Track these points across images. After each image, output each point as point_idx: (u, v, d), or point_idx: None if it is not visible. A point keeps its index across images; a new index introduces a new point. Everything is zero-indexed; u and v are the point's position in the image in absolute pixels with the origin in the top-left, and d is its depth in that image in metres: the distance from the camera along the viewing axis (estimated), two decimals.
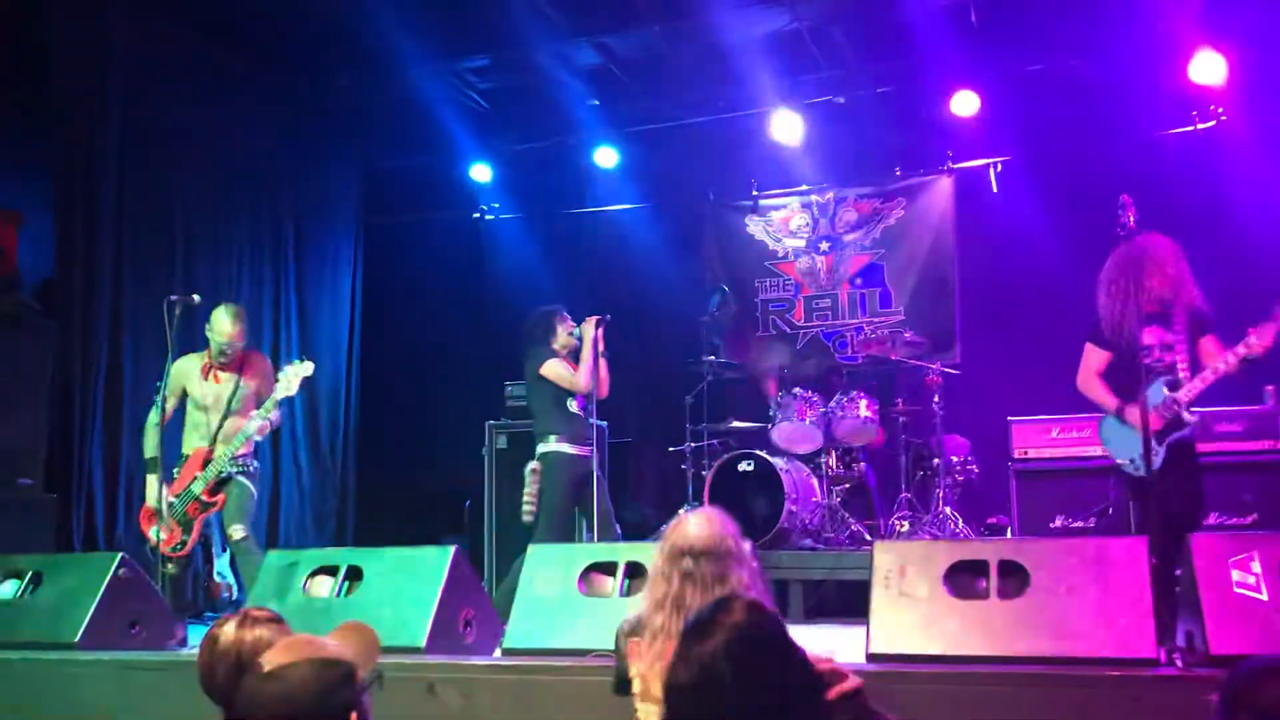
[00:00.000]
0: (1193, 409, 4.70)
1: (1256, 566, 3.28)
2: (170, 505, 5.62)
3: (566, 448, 6.05)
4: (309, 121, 8.75)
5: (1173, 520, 4.33)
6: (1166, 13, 7.24)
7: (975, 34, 7.72)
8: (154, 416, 5.71)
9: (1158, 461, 4.68)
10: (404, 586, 4.25)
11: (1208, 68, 7.36)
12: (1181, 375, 4.69)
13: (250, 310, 6.31)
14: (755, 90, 8.26)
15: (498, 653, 4.31)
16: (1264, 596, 3.25)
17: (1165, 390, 4.72)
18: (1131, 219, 4.27)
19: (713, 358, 7.78)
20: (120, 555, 4.82)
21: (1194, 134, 7.61)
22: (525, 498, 6.20)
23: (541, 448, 6.11)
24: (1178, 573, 3.71)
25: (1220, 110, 7.49)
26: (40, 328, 6.83)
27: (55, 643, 4.53)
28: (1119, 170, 7.27)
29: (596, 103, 8.79)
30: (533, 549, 4.44)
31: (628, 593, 4.01)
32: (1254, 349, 4.53)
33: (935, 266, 8.53)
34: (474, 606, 4.37)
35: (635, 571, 4.03)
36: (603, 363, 6.12)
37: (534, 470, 6.15)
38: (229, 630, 2.53)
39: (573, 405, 6.12)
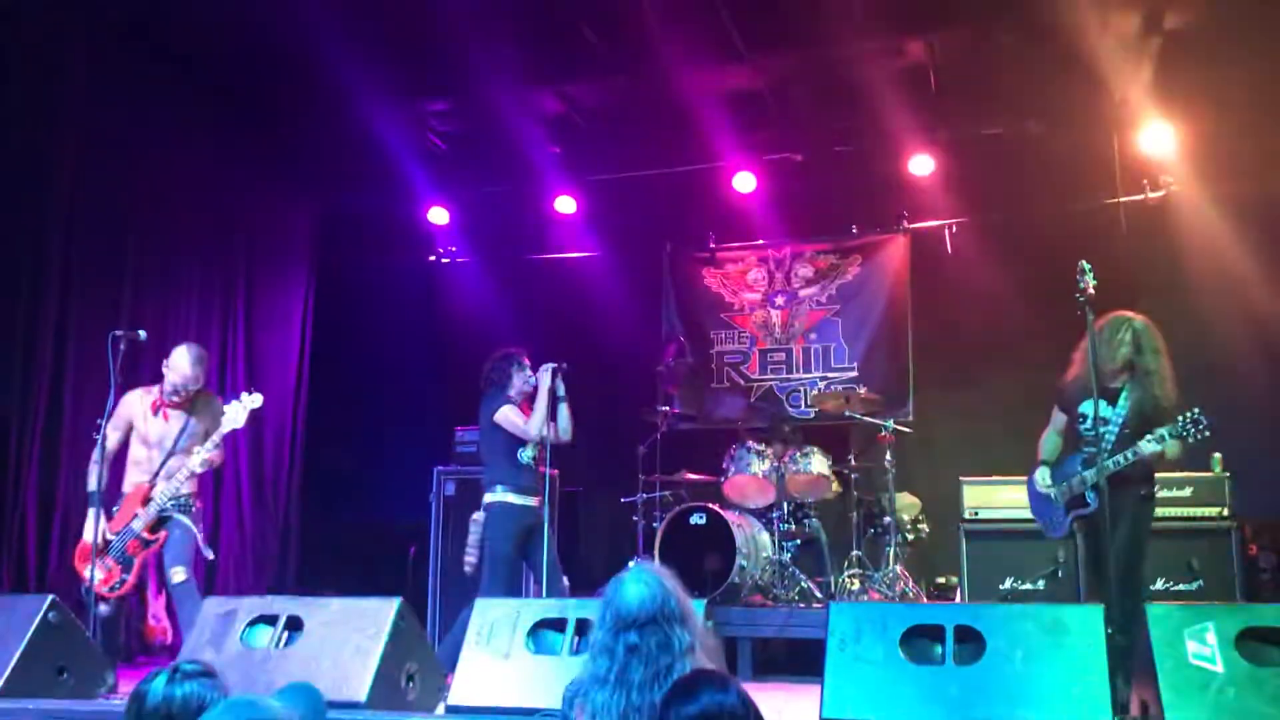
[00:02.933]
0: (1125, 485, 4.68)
1: (1212, 637, 3.27)
2: (109, 543, 5.45)
3: (513, 498, 5.95)
4: (264, 160, 8.63)
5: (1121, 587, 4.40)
6: (1120, 83, 7.39)
7: (933, 97, 7.85)
8: (97, 452, 5.54)
9: (1064, 529, 4.94)
10: (346, 638, 4.13)
11: (1158, 138, 7.52)
12: (1116, 457, 4.68)
13: None
14: (715, 144, 8.30)
15: (441, 709, 4.19)
16: (1219, 668, 3.24)
17: (1079, 466, 4.82)
18: (1090, 285, 4.30)
19: (667, 408, 7.74)
20: (50, 598, 4.65)
21: (1145, 202, 7.75)
22: (467, 547, 6.10)
23: (488, 497, 6.02)
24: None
25: (1171, 180, 7.64)
26: None
27: None
28: (1072, 235, 7.39)
29: (557, 150, 8.80)
30: (480, 603, 4.33)
31: (577, 650, 3.92)
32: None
33: (890, 324, 8.60)
34: (418, 660, 4.26)
35: (585, 629, 3.95)
36: (566, 409, 6.04)
37: (476, 520, 6.05)
38: (157, 687, 2.41)
39: (524, 455, 6.03)
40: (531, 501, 5.99)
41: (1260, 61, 7.07)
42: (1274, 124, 7.28)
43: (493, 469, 6.07)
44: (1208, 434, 4.56)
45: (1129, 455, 4.62)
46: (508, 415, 5.99)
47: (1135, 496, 4.72)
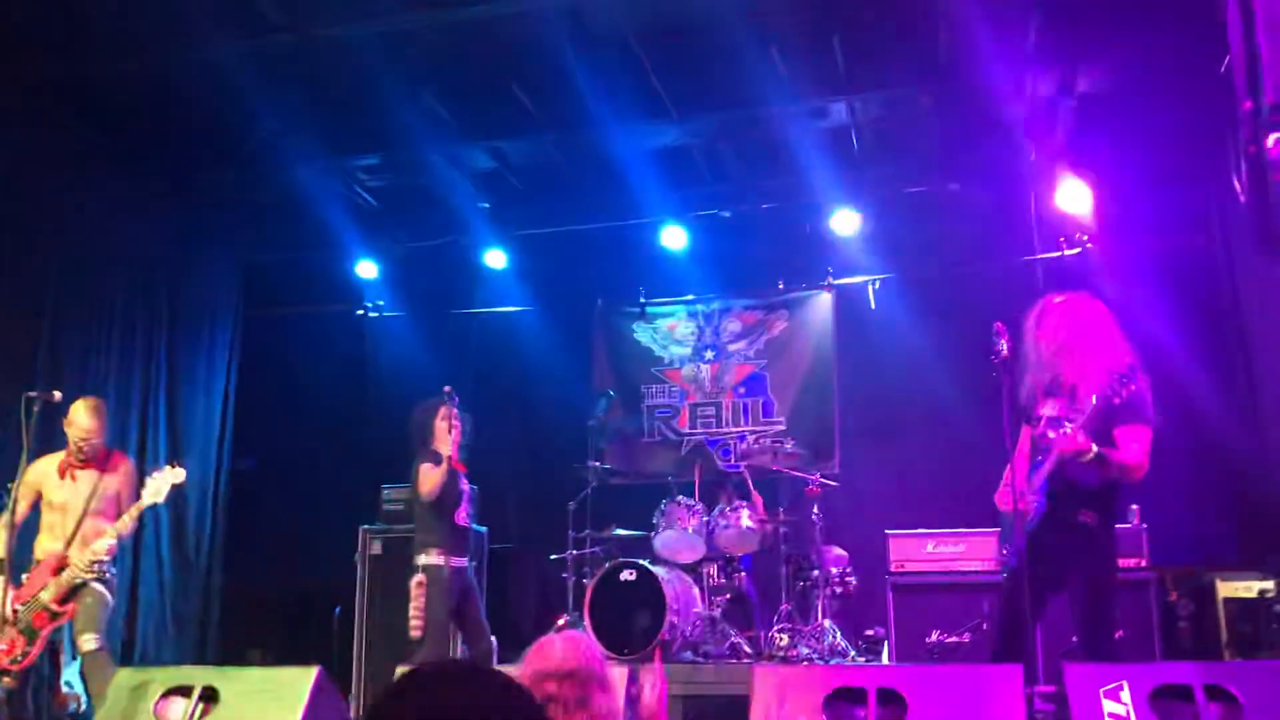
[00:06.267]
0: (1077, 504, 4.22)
1: (1126, 696, 3.33)
2: (15, 613, 5.27)
3: (443, 560, 5.89)
4: (187, 213, 8.52)
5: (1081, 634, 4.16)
6: (1036, 144, 7.61)
7: (856, 156, 8.01)
8: (4, 518, 5.39)
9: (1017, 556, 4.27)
10: (263, 710, 4.04)
11: (1073, 197, 7.74)
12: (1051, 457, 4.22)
13: (118, 407, 6.06)
14: (644, 200, 8.39)
15: None
16: None
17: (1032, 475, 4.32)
18: (1005, 347, 4.35)
19: (597, 463, 7.73)
20: None
21: (1062, 259, 7.96)
22: (412, 612, 6.00)
23: (422, 559, 5.93)
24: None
25: (1086, 238, 7.86)
26: None
27: None
28: (992, 291, 7.57)
29: (487, 205, 8.81)
30: (402, 670, 4.26)
31: None
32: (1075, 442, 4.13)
33: (816, 378, 8.70)
34: None
35: None
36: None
37: (419, 584, 5.94)
38: None
39: (462, 516, 5.99)
40: (462, 562, 5.95)
41: (1168, 122, 7.33)
42: (1181, 181, 7.55)
43: (422, 531, 5.99)
44: (1132, 386, 4.09)
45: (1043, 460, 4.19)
46: (424, 473, 5.92)
47: (1075, 528, 4.24)
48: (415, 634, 5.99)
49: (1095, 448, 4.14)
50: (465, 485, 6.09)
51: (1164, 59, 6.84)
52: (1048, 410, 4.37)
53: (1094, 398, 4.14)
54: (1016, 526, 4.27)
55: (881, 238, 8.41)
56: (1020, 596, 4.15)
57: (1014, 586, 4.24)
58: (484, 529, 7.26)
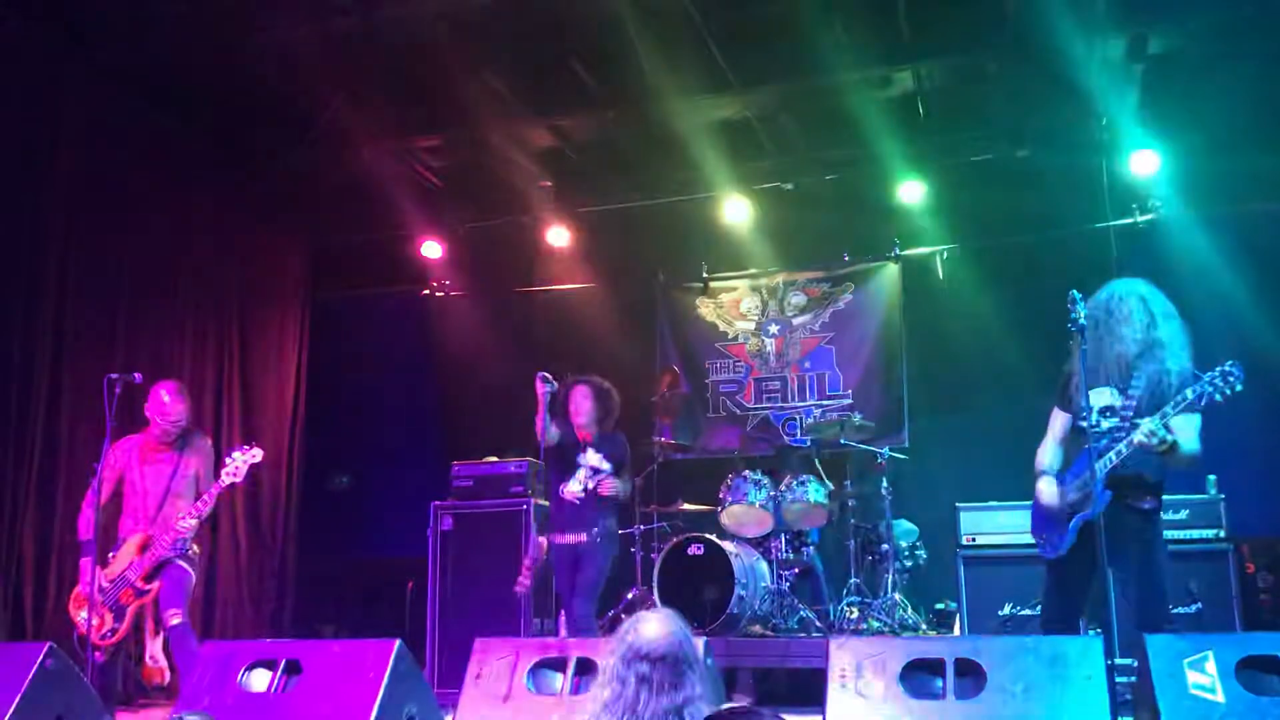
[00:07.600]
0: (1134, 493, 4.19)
1: (1212, 667, 3.27)
2: (103, 591, 5.43)
3: (553, 538, 6.20)
4: (256, 198, 8.66)
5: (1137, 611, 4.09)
6: (1107, 109, 7.45)
7: (922, 124, 7.90)
8: (90, 498, 5.53)
9: (1066, 543, 4.28)
10: (345, 681, 4.11)
11: (1146, 162, 7.58)
12: (1117, 447, 4.14)
13: (192, 388, 6.16)
14: (706, 174, 8.35)
15: None
16: (1220, 698, 3.24)
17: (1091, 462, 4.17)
18: (1082, 315, 4.27)
19: (662, 439, 7.73)
20: (48, 645, 4.62)
21: (1134, 225, 7.79)
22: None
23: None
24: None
25: (1159, 203, 7.69)
26: None
27: None
28: (1063, 260, 7.43)
29: (549, 183, 8.83)
30: (479, 644, 4.32)
31: (577, 690, 3.91)
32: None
33: (883, 351, 8.62)
34: (417, 702, 4.23)
35: (585, 668, 3.94)
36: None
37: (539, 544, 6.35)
38: None
39: (566, 490, 6.10)
40: (562, 538, 6.15)
41: (1243, 85, 7.14)
42: (1257, 146, 7.34)
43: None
44: (1239, 387, 3.95)
45: (1123, 448, 4.09)
46: None
47: (1134, 511, 4.18)
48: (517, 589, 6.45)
49: (1171, 438, 4.08)
50: (584, 459, 6.22)
51: (1238, 19, 6.66)
52: (1100, 400, 4.28)
53: (1189, 392, 4.05)
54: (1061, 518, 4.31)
55: (948, 207, 8.28)
56: (1070, 585, 4.30)
57: (1061, 577, 4.35)
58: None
